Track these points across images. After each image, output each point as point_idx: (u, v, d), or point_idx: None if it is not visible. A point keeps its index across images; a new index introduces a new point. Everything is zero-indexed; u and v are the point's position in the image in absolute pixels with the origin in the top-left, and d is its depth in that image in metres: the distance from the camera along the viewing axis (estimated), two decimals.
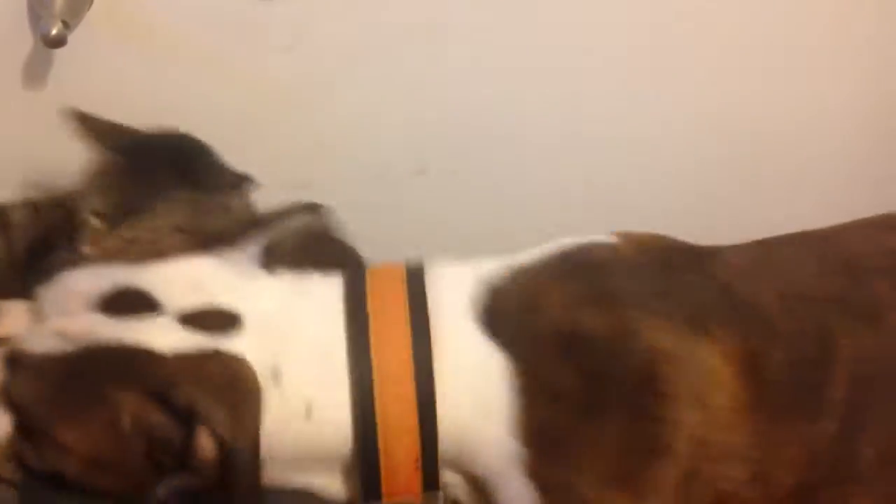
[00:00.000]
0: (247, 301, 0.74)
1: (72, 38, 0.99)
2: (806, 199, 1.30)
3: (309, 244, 0.80)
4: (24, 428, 0.73)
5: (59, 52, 1.02)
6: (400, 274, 0.78)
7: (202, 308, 0.73)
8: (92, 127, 0.90)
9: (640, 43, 1.19)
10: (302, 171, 1.21)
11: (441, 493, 0.79)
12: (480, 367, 0.74)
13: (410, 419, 0.73)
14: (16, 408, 0.72)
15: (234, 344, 0.72)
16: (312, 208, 0.83)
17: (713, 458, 0.71)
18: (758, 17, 1.20)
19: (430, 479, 0.76)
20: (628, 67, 1.20)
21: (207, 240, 0.79)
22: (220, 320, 0.73)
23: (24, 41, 1.04)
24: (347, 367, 0.73)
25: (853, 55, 1.25)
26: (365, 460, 0.74)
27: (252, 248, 0.77)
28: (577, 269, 0.78)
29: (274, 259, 0.77)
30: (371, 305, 0.75)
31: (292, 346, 0.74)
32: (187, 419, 0.69)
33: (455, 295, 0.77)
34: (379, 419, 0.72)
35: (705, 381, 0.72)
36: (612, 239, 0.82)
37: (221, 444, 0.68)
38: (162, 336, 0.71)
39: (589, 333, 0.73)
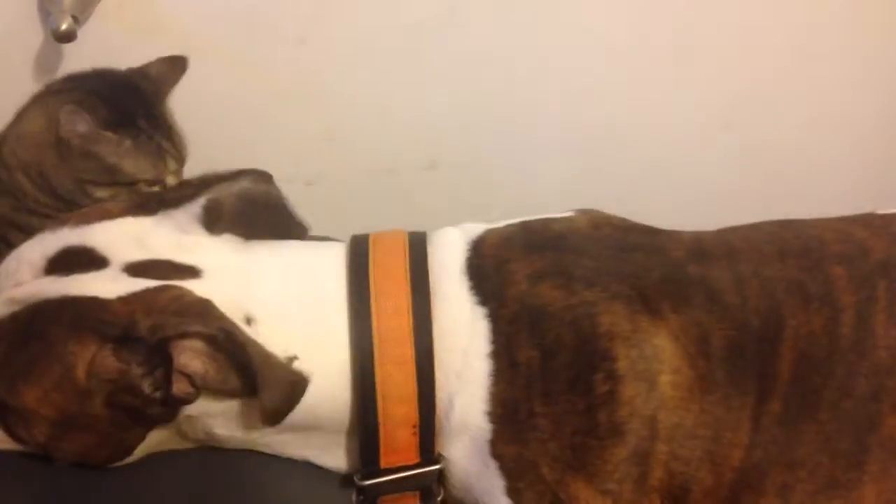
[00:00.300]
0: (199, 256, 0.74)
1: (81, 32, 0.99)
2: (816, 201, 1.30)
3: (247, 209, 0.79)
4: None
5: (68, 46, 1.02)
6: (401, 237, 0.78)
7: (148, 260, 0.72)
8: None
9: (650, 40, 1.19)
10: (312, 164, 1.21)
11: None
12: (469, 332, 0.74)
13: (410, 381, 0.73)
14: None
15: (189, 286, 0.71)
16: (257, 175, 0.82)
17: (664, 438, 0.72)
18: (772, 18, 1.19)
19: (427, 446, 0.76)
20: (639, 63, 1.20)
21: (151, 200, 0.79)
22: (171, 271, 0.72)
23: (35, 36, 1.05)
24: (346, 323, 0.73)
25: (866, 56, 1.25)
26: (364, 424, 0.74)
27: (194, 209, 0.77)
28: (539, 241, 0.78)
29: (214, 219, 0.76)
30: (373, 264, 0.75)
31: (268, 295, 0.73)
32: (151, 355, 0.68)
33: (451, 257, 0.77)
34: (378, 380, 0.72)
35: (654, 361, 0.72)
36: (569, 214, 0.83)
37: (208, 341, 0.67)
38: (107, 285, 0.70)
39: (548, 311, 0.74)
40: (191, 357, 0.68)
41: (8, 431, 0.73)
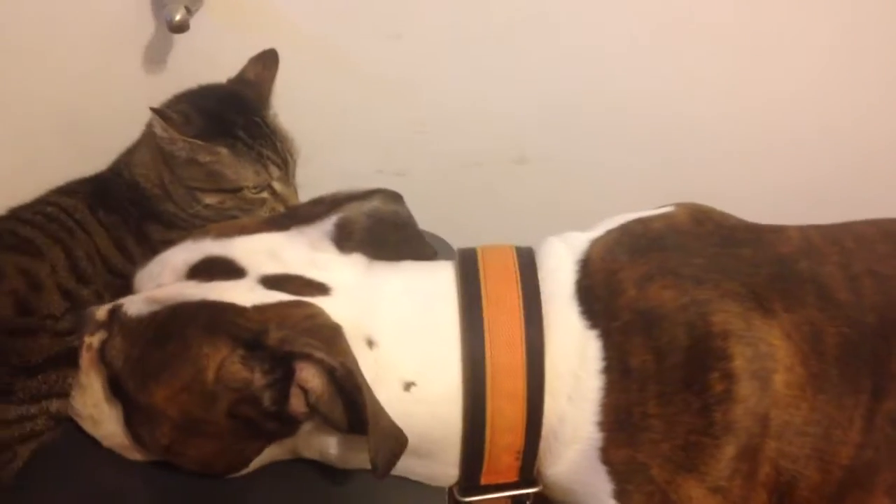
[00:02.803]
0: (330, 273, 0.75)
1: (191, 23, 1.02)
2: None
3: (377, 229, 0.81)
4: (126, 409, 0.75)
5: (177, 37, 1.06)
6: (511, 261, 0.78)
7: (282, 274, 0.74)
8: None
9: (749, 39, 1.17)
10: (402, 156, 1.23)
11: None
12: (580, 356, 0.74)
13: (519, 413, 0.74)
14: (110, 369, 0.75)
15: (318, 303, 0.73)
16: (387, 195, 0.84)
17: (774, 435, 0.72)
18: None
19: (528, 468, 0.77)
20: (734, 62, 1.19)
21: (287, 217, 0.82)
22: (303, 286, 0.74)
23: (147, 27, 1.08)
24: (459, 354, 0.74)
25: None
26: (470, 450, 0.75)
27: (326, 226, 0.79)
28: (643, 244, 0.78)
29: (345, 237, 0.79)
30: (485, 295, 0.75)
31: (388, 319, 0.74)
32: (276, 367, 0.70)
33: (561, 282, 0.77)
34: (489, 412, 0.73)
35: (769, 360, 0.72)
36: (668, 209, 0.82)
37: (329, 372, 0.68)
38: (244, 293, 0.72)
39: (660, 313, 0.74)
40: (313, 374, 0.69)
41: (132, 433, 0.76)
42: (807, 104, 1.23)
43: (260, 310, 0.71)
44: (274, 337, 0.69)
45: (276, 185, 0.95)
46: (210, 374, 0.70)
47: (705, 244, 0.78)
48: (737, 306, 0.73)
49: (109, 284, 0.87)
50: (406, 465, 0.75)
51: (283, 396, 0.70)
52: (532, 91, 1.19)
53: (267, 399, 0.71)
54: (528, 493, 0.79)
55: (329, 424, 0.71)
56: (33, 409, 0.77)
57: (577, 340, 0.75)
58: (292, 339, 0.69)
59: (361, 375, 0.69)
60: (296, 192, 0.98)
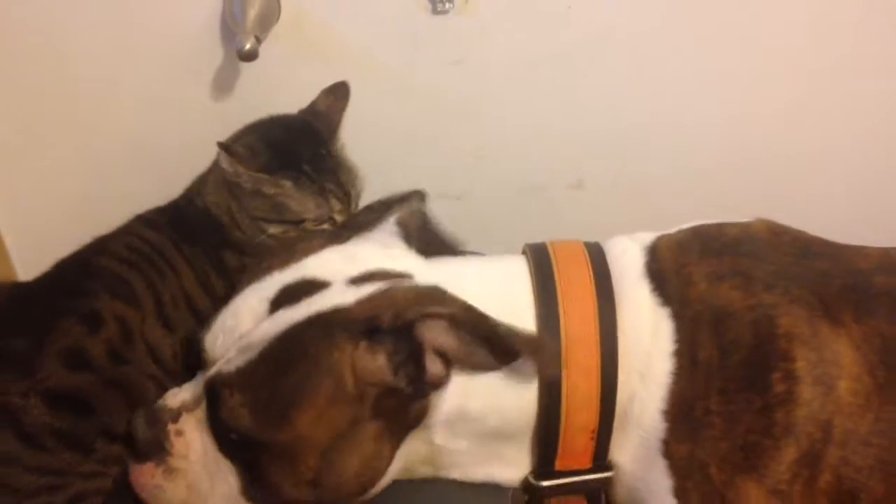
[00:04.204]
0: (408, 265, 0.78)
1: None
2: None
3: (423, 226, 0.84)
4: (252, 466, 0.74)
5: (246, 65, 1.07)
6: (580, 248, 0.81)
7: (366, 272, 0.76)
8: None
9: (811, 67, 1.17)
10: (462, 180, 1.24)
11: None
12: (652, 333, 0.76)
13: (594, 387, 0.75)
14: (233, 430, 0.72)
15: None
16: (420, 195, 0.87)
17: (837, 443, 0.71)
18: None
19: (602, 451, 0.77)
20: (800, 88, 1.19)
21: (346, 228, 0.85)
22: (388, 277, 0.76)
23: (216, 55, 1.11)
24: (536, 331, 0.75)
25: None
26: (545, 429, 0.76)
27: (389, 227, 0.82)
28: (715, 246, 0.79)
29: (406, 235, 0.82)
30: (557, 273, 0.77)
31: (470, 301, 0.74)
32: (399, 345, 0.70)
33: (630, 262, 0.79)
34: (564, 386, 0.75)
35: (833, 366, 0.72)
36: (746, 220, 0.83)
37: (450, 320, 0.69)
38: (339, 296, 0.73)
39: (727, 311, 0.74)
40: (439, 332, 0.70)
41: (263, 489, 0.73)
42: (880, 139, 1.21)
43: (363, 301, 0.73)
44: (387, 317, 0.71)
45: (338, 218, 0.97)
46: (348, 377, 0.71)
47: (780, 253, 0.79)
48: (804, 312, 0.74)
49: (191, 333, 0.87)
50: (490, 456, 0.78)
51: (417, 370, 0.71)
52: (591, 117, 1.20)
53: (403, 379, 0.72)
54: (602, 492, 0.80)
55: (478, 369, 0.72)
56: (105, 469, 0.80)
57: (650, 317, 0.76)
58: (404, 310, 0.70)
59: (478, 309, 0.70)
60: None
